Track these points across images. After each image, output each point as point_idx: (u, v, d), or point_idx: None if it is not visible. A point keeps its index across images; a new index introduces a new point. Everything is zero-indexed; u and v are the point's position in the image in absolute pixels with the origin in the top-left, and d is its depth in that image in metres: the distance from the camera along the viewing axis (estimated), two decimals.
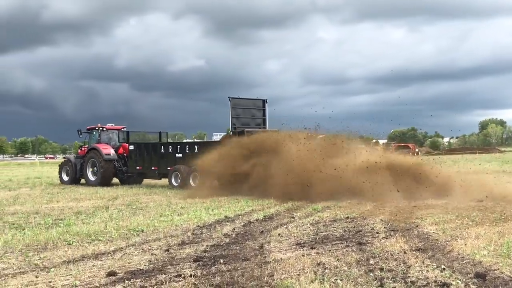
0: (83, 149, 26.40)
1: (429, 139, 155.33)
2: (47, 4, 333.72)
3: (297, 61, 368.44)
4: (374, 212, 12.54)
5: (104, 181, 23.84)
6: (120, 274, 6.74)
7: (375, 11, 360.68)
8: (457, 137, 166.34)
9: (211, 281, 6.29)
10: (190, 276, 6.55)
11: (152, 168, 22.49)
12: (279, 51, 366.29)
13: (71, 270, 7.06)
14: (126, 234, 9.94)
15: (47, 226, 11.13)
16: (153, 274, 6.72)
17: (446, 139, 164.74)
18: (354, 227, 10.30)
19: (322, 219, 11.54)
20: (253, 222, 11.24)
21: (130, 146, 23.93)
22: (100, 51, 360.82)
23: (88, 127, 26.30)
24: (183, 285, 6.17)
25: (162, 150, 22.23)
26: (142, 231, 10.24)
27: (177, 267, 7.08)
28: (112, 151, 24.38)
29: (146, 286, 6.17)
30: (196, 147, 21.38)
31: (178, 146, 22.00)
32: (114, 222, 11.47)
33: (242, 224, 11.02)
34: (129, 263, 7.46)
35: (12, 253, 8.29)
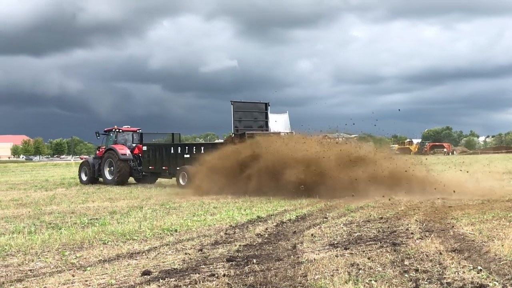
0: (100, 150, 27.37)
1: (464, 138, 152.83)
2: (83, 7, 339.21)
3: (329, 60, 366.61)
4: (408, 212, 12.39)
5: (120, 180, 24.85)
6: (154, 273, 6.81)
7: (408, 9, 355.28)
8: (493, 136, 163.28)
9: (245, 281, 6.30)
10: (224, 275, 6.57)
11: (163, 167, 23.53)
12: (311, 51, 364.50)
13: (106, 269, 7.16)
14: (160, 233, 10.04)
15: (83, 225, 11.32)
16: (187, 273, 6.77)
17: (481, 138, 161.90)
18: (388, 227, 10.19)
19: (356, 219, 11.45)
20: (285, 222, 11.22)
21: (143, 147, 25.03)
22: (134, 53, 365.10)
23: (105, 129, 27.48)
24: (217, 285, 6.19)
25: (172, 151, 23.23)
26: (176, 230, 10.33)
27: (211, 267, 7.12)
28: (127, 152, 25.44)
29: (180, 286, 6.21)
30: (202, 148, 22.24)
31: (186, 147, 22.93)
32: (148, 221, 11.60)
33: (275, 224, 11.02)
34: (163, 262, 7.53)
35: (49, 252, 8.45)
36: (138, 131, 27.09)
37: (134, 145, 26.33)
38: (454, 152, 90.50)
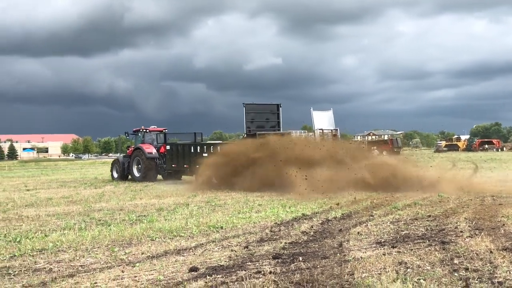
0: (130, 149, 28.82)
1: None
2: (130, 8, 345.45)
3: (374, 56, 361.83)
4: (457, 210, 12.13)
5: (146, 177, 26.08)
6: (201, 270, 6.89)
7: (455, 2, 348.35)
8: None
9: (291, 278, 6.30)
10: (270, 273, 6.59)
11: (184, 165, 24.76)
12: (356, 47, 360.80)
13: (155, 265, 7.29)
14: (206, 230, 10.15)
15: (131, 222, 11.53)
16: (233, 270, 6.82)
17: None
18: (437, 225, 10.00)
19: (403, 217, 11.28)
20: (331, 220, 11.16)
21: (167, 146, 26.46)
22: (179, 53, 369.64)
23: (134, 129, 28.96)
24: (263, 282, 6.21)
25: (192, 150, 24.43)
26: (222, 227, 10.42)
27: (257, 264, 7.15)
28: (154, 151, 26.67)
29: (227, 282, 6.26)
30: (218, 147, 23.29)
31: (205, 146, 24.03)
32: (195, 218, 11.73)
33: (320, 222, 10.97)
34: (209, 259, 7.60)
35: (99, 248, 8.65)
36: (164, 131, 28.42)
37: (160, 144, 27.50)
38: (504, 149, 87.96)
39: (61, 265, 7.46)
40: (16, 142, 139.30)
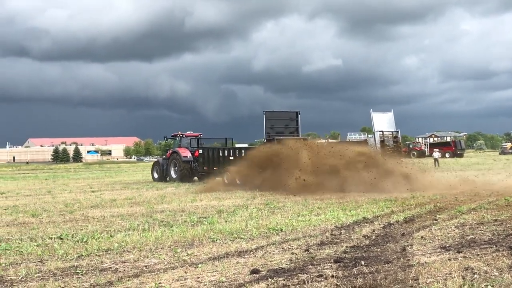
0: (168, 152, 30.94)
1: None
2: (191, 12, 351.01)
3: (436, 56, 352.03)
4: None
5: (182, 178, 27.86)
6: (263, 272, 6.91)
7: None
8: None
9: (353, 283, 6.23)
10: (332, 276, 6.54)
11: (214, 168, 26.41)
12: (417, 46, 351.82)
13: (216, 266, 7.37)
14: (266, 232, 10.17)
15: (192, 223, 11.71)
16: (294, 273, 6.81)
17: None
18: (504, 230, 9.66)
19: (468, 221, 10.95)
20: (393, 224, 10.96)
21: (199, 150, 28.35)
22: (238, 56, 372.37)
23: (172, 134, 31.00)
24: (325, 286, 6.18)
25: (220, 154, 26.60)
26: (281, 230, 10.42)
27: (318, 267, 7.11)
28: (189, 154, 28.55)
29: (289, 285, 6.26)
30: (243, 151, 25.37)
31: (231, 151, 26.04)
32: (254, 220, 11.79)
33: (382, 225, 10.79)
34: (270, 261, 7.62)
35: (162, 249, 8.83)
36: (199, 136, 30.44)
37: (195, 148, 29.28)
38: None
39: (126, 265, 7.66)
40: (81, 145, 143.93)
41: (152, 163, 33.39)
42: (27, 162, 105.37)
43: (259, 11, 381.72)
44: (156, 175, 30.18)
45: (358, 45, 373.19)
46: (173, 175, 28.78)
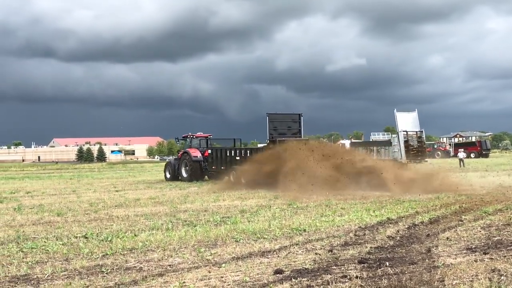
0: (180, 152, 31.81)
1: None
2: (214, 12, 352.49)
3: (461, 55, 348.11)
4: None
5: (193, 178, 28.65)
6: (286, 272, 6.89)
7: None
8: None
9: (378, 284, 6.18)
10: (356, 277, 6.50)
11: (222, 167, 27.27)
12: (442, 45, 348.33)
13: (240, 266, 7.37)
14: (289, 233, 10.15)
15: (215, 223, 11.73)
16: (318, 273, 6.78)
17: None
18: None
19: (494, 222, 10.79)
20: (417, 225, 10.84)
21: (208, 150, 29.27)
22: (261, 55, 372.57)
23: (183, 135, 32.06)
24: (349, 287, 6.14)
25: (227, 154, 27.43)
26: (304, 230, 10.38)
27: (342, 268, 7.06)
28: (199, 154, 29.34)
29: (313, 286, 6.23)
30: (248, 152, 26.33)
31: (238, 151, 27.03)
32: (277, 221, 11.77)
33: (406, 226, 10.69)
34: (294, 261, 7.60)
35: (186, 248, 8.86)
36: (209, 136, 31.40)
37: (205, 148, 30.12)
38: None
39: (150, 264, 7.70)
40: (105, 144, 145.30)
41: (165, 163, 34.71)
42: (56, 162, 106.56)
43: (283, 11, 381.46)
44: (168, 175, 30.94)
45: (382, 44, 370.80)
46: (184, 175, 29.53)
